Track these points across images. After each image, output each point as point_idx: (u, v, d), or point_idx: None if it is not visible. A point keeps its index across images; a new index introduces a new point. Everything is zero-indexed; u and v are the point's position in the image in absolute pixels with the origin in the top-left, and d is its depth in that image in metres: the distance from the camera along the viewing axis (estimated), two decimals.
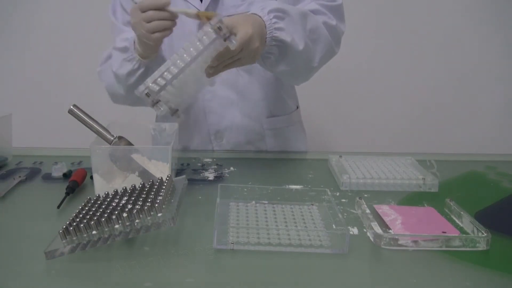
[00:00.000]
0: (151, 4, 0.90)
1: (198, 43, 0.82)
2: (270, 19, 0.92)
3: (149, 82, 0.82)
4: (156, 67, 1.08)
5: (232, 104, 1.18)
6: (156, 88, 0.82)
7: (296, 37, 0.95)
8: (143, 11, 0.90)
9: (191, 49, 0.82)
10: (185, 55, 0.82)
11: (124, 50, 1.05)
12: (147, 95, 0.82)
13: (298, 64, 1.01)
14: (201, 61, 0.84)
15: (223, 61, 0.85)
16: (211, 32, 0.80)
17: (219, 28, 0.80)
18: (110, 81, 1.12)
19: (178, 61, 0.82)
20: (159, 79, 0.82)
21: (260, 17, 0.91)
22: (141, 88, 0.82)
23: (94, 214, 0.70)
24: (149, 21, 0.91)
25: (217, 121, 1.20)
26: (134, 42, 1.02)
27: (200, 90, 0.93)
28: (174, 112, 0.87)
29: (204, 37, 0.81)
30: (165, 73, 0.82)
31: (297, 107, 1.32)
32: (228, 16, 0.87)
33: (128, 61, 1.05)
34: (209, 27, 0.80)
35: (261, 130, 1.22)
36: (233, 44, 0.81)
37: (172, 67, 0.82)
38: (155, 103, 0.83)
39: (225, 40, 0.81)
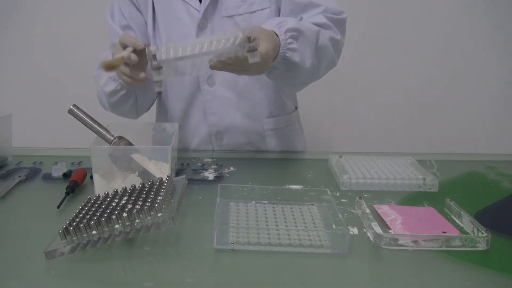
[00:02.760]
0: (131, 43, 0.92)
1: (223, 41, 0.82)
2: (286, 39, 0.91)
3: (162, 48, 0.82)
4: (140, 91, 1.11)
5: (232, 104, 1.18)
6: (163, 57, 0.82)
7: (306, 57, 0.96)
8: (124, 47, 0.92)
9: (215, 42, 0.82)
10: (206, 45, 0.82)
11: None
12: (154, 57, 0.82)
13: (300, 79, 1.03)
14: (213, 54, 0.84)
15: (234, 65, 0.84)
16: (242, 38, 0.80)
17: (249, 39, 0.79)
18: (99, 94, 1.14)
19: (197, 46, 0.82)
20: (171, 50, 0.82)
21: (277, 35, 0.91)
22: (153, 48, 0.83)
23: (94, 214, 0.70)
24: (123, 74, 0.95)
25: (217, 122, 1.20)
26: None
27: (195, 73, 0.92)
28: (157, 67, 0.85)
29: (232, 39, 0.81)
30: (180, 49, 0.82)
31: (296, 108, 1.33)
32: (247, 26, 0.90)
33: (113, 80, 1.06)
34: (241, 33, 0.80)
35: (262, 130, 1.22)
36: (255, 59, 0.80)
37: (189, 48, 0.82)
38: (156, 68, 0.83)
39: (248, 51, 0.80)
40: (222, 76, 1.15)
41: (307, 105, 1.51)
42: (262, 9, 1.11)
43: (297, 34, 0.93)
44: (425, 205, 0.87)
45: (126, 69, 0.94)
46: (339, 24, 1.07)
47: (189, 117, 1.22)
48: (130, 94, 1.10)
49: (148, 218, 0.68)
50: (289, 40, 0.92)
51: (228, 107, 1.19)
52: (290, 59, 0.93)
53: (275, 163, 1.14)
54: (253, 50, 0.80)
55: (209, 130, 1.21)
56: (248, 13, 1.11)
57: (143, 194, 0.75)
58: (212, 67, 0.86)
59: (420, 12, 1.99)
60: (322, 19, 1.05)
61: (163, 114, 1.27)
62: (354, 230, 0.77)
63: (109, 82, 1.07)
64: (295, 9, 1.09)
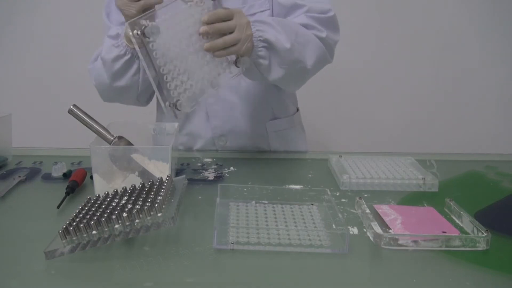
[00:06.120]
0: None
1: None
2: (251, 24, 0.93)
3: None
4: (142, 57, 1.07)
5: (234, 107, 1.18)
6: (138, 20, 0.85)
7: (281, 38, 0.95)
8: None
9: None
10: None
11: (115, 37, 1.06)
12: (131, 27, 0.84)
13: (291, 66, 1.00)
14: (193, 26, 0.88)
15: (217, 25, 0.87)
16: None
17: None
18: (98, 74, 1.11)
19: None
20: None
21: None
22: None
23: (94, 214, 0.70)
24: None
25: (220, 125, 1.20)
26: None
27: (204, 76, 0.93)
28: (175, 102, 0.88)
29: None
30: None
31: (297, 109, 1.33)
32: None
33: (116, 47, 1.04)
34: None
35: (265, 132, 1.22)
36: None
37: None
38: (142, 30, 0.84)
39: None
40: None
41: (307, 106, 1.51)
42: (262, 11, 1.12)
43: (261, 23, 0.95)
44: (425, 205, 0.87)
45: None
46: (325, 22, 1.06)
47: (191, 120, 1.22)
48: (133, 60, 1.07)
49: (148, 218, 0.68)
50: (254, 24, 0.94)
51: (231, 110, 1.19)
52: (264, 38, 0.94)
53: (275, 163, 1.14)
54: None
55: (212, 133, 1.21)
56: (248, 15, 1.10)
57: (143, 194, 0.75)
58: (208, 47, 0.88)
59: (420, 12, 1.99)
60: (304, 20, 1.05)
61: (164, 118, 1.26)
62: (354, 230, 0.77)
63: (112, 49, 1.05)
64: (282, 12, 1.09)
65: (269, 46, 0.95)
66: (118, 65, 1.06)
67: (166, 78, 0.88)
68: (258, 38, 0.94)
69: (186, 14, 0.88)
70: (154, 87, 0.88)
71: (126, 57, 1.05)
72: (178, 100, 0.89)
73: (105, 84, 1.11)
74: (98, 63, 1.10)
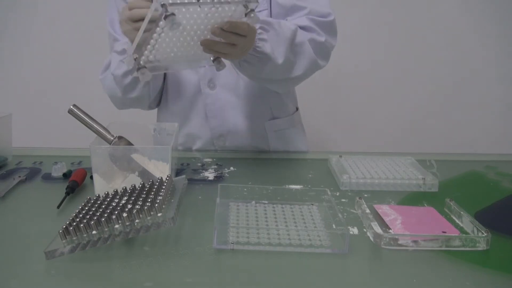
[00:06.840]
0: (137, 4, 0.85)
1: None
2: (256, 29, 0.92)
3: None
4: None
5: (233, 107, 1.18)
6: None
7: (277, 51, 0.95)
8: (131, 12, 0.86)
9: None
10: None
11: (122, 52, 1.07)
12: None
13: (275, 75, 1.01)
14: (206, 22, 0.82)
15: (228, 35, 0.82)
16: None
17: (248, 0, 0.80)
18: (110, 86, 1.14)
19: None
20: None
21: None
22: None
23: (94, 214, 0.70)
24: (135, 20, 0.85)
25: (219, 125, 1.20)
26: None
27: (189, 59, 0.89)
28: (140, 67, 0.84)
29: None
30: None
31: (297, 109, 1.33)
32: None
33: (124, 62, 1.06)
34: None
35: (264, 132, 1.22)
36: (255, 18, 0.81)
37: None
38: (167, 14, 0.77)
39: (246, 14, 0.81)
40: (223, 79, 1.15)
41: (307, 105, 1.51)
42: (259, 11, 1.11)
43: (267, 27, 0.94)
44: (425, 205, 0.87)
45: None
46: (325, 26, 1.06)
47: (190, 120, 1.22)
48: None
49: (148, 218, 0.68)
50: (259, 31, 0.93)
51: (230, 110, 1.19)
52: (260, 50, 0.93)
53: (275, 163, 1.14)
54: (251, 10, 0.81)
55: (211, 134, 1.21)
56: None
57: (143, 194, 0.75)
58: (211, 31, 0.82)
59: (421, 12, 1.99)
60: (304, 22, 1.04)
61: (164, 119, 1.27)
62: (354, 230, 0.77)
63: (120, 65, 1.07)
64: (282, 12, 1.09)
65: (262, 57, 0.94)
66: (128, 79, 1.09)
67: (148, 45, 0.82)
68: (256, 48, 0.92)
69: (213, 11, 0.80)
70: (133, 46, 0.82)
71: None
72: (144, 67, 0.84)
73: (118, 97, 1.15)
74: (109, 76, 1.12)
